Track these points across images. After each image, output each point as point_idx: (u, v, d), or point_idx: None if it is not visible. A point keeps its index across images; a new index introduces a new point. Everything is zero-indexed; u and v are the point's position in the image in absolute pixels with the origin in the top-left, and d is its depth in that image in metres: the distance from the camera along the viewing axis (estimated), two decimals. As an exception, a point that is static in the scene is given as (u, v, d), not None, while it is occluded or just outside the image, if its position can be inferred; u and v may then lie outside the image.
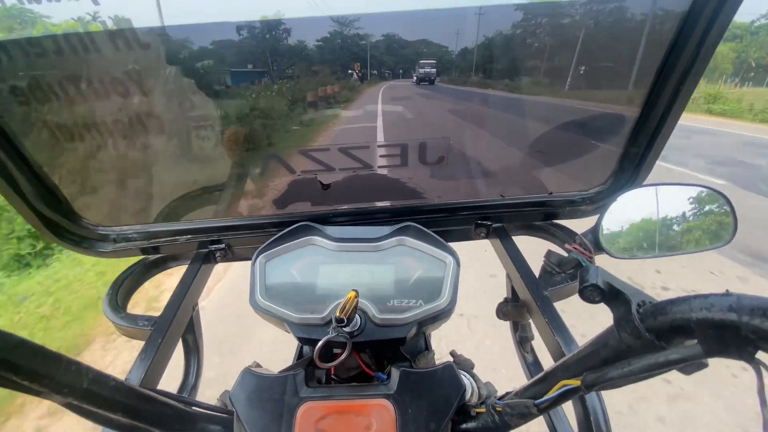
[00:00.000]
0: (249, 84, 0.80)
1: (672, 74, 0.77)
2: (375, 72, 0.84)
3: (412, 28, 0.76)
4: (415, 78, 0.86)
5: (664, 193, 0.81)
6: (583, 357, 0.40)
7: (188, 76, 0.76)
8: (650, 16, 0.77)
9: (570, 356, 0.43)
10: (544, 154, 0.96)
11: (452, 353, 0.71)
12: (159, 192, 0.92)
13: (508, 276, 0.93)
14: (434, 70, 0.84)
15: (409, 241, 0.74)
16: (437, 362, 0.74)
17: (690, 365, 0.33)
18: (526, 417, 0.48)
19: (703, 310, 0.28)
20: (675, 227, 0.81)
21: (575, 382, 0.39)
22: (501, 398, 0.54)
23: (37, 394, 0.37)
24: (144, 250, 0.95)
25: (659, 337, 0.32)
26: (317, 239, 0.75)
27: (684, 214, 0.81)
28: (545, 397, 0.43)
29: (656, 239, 0.81)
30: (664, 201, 0.81)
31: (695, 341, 0.31)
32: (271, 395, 0.55)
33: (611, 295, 0.36)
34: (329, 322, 0.64)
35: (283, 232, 0.77)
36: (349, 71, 0.82)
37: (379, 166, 0.89)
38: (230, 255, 0.98)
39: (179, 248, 0.96)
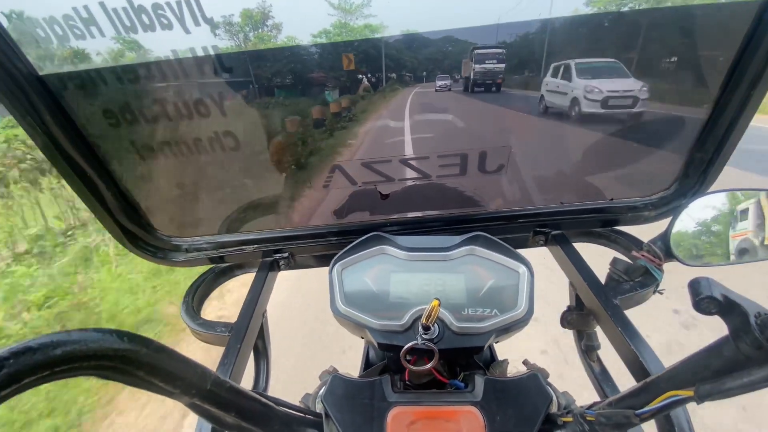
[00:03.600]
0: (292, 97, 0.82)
1: (745, 74, 0.75)
2: (393, 75, 0.79)
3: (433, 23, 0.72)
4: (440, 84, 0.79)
5: (739, 197, 0.79)
6: (692, 367, 0.40)
7: (251, 94, 0.80)
8: (721, 13, 0.75)
9: (674, 366, 0.42)
10: (604, 160, 0.95)
11: (525, 362, 0.71)
12: (227, 205, 0.96)
13: (571, 284, 0.92)
14: (502, 66, 0.72)
15: (480, 250, 0.75)
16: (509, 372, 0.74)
17: None
18: (622, 427, 0.48)
19: None
20: (749, 233, 0.79)
21: (687, 393, 0.39)
22: (590, 407, 0.54)
23: (170, 395, 0.40)
24: (212, 260, 1.00)
25: None
26: (389, 248, 0.77)
27: (758, 219, 0.79)
28: (649, 407, 0.43)
29: (730, 246, 0.79)
30: (739, 206, 0.79)
31: None
32: (361, 399, 0.57)
33: (727, 306, 0.36)
34: (408, 329, 0.66)
35: (357, 241, 0.80)
36: (359, 76, 0.80)
37: (438, 176, 0.91)
38: (293, 263, 1.02)
39: (245, 257, 1.00)
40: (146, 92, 0.75)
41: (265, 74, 0.77)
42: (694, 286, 0.37)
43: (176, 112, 0.77)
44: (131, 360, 0.34)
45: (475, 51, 0.72)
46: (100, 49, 0.71)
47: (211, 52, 0.71)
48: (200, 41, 0.71)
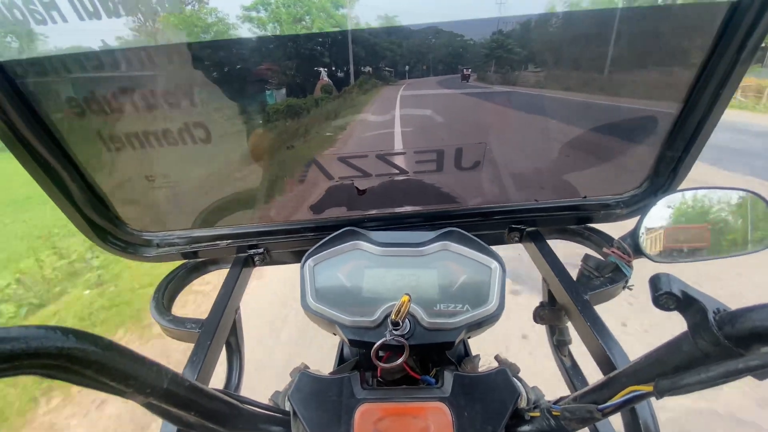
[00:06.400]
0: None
1: (714, 74, 0.76)
2: (368, 69, 0.71)
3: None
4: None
5: (705, 196, 0.81)
6: (653, 363, 0.41)
7: (227, 86, 0.77)
8: (693, 12, 0.75)
9: (636, 362, 0.43)
10: (578, 158, 0.96)
11: (497, 358, 0.72)
12: (200, 199, 0.94)
13: (544, 280, 0.93)
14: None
15: (453, 246, 0.75)
16: (481, 367, 0.75)
17: None
18: (586, 422, 0.48)
19: None
20: (716, 231, 0.81)
21: (647, 388, 0.40)
22: (556, 403, 0.54)
23: (122, 394, 0.38)
24: (185, 255, 0.98)
25: (738, 344, 0.33)
26: (363, 244, 0.76)
27: (725, 217, 0.81)
28: (611, 402, 0.44)
29: (697, 243, 0.81)
30: (705, 204, 0.81)
31: None
32: (329, 396, 0.57)
33: (686, 302, 0.36)
34: (379, 325, 0.66)
35: (330, 236, 0.79)
36: (316, 68, 0.72)
37: (414, 172, 0.90)
38: (268, 259, 1.00)
39: (219, 253, 0.98)
40: (112, 80, 0.72)
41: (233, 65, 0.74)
42: (654, 282, 0.38)
43: (144, 101, 0.75)
44: (77, 359, 0.33)
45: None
46: (62, 35, 0.68)
47: (178, 40, 0.69)
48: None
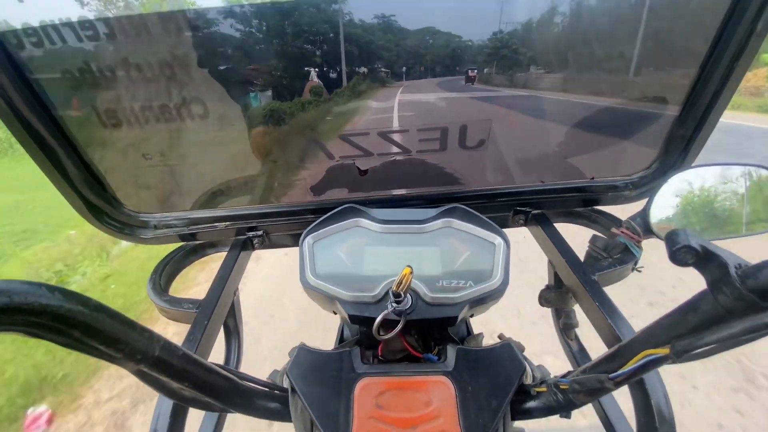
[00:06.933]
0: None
1: (726, 50, 0.73)
2: (363, 70, 0.69)
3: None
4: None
5: (718, 174, 0.78)
6: (667, 326, 0.38)
7: (227, 63, 0.76)
8: None
9: (649, 327, 0.41)
10: (585, 139, 0.94)
11: (501, 336, 0.70)
12: (199, 180, 0.92)
13: (550, 262, 0.91)
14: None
15: (456, 222, 0.73)
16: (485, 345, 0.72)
17: None
18: (596, 393, 0.46)
19: None
20: (730, 209, 0.78)
21: (663, 351, 0.37)
22: (564, 377, 0.52)
23: (112, 360, 0.36)
24: (183, 237, 0.96)
25: (763, 297, 0.31)
26: (363, 221, 0.74)
27: (740, 195, 0.78)
28: (623, 370, 0.42)
29: (710, 222, 0.78)
30: (718, 182, 0.78)
31: None
32: (328, 371, 0.55)
33: (705, 257, 0.34)
34: (380, 301, 0.64)
35: (330, 214, 0.77)
36: (306, 68, 0.71)
37: (418, 151, 0.88)
38: (267, 242, 0.98)
39: (217, 235, 0.96)
40: (110, 52, 0.70)
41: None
42: (672, 237, 0.35)
43: (142, 75, 0.73)
44: (63, 318, 0.31)
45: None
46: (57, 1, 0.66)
47: (179, 8, 0.67)
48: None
